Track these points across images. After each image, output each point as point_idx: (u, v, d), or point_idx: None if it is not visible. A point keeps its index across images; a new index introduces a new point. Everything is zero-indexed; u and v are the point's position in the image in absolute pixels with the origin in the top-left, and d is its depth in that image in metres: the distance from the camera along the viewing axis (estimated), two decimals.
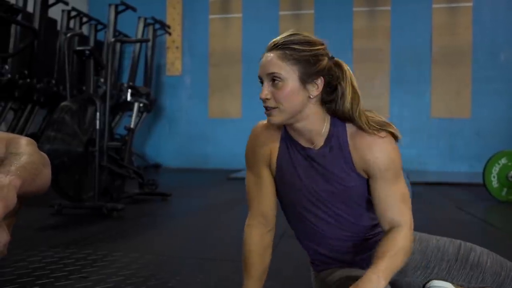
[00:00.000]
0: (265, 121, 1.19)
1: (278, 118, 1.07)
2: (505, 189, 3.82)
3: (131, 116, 4.32)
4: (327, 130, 1.11)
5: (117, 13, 5.29)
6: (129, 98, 3.39)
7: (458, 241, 1.22)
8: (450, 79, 6.14)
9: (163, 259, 2.01)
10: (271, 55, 1.06)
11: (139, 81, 5.93)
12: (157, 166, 6.48)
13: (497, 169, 3.83)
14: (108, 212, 2.87)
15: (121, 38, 4.81)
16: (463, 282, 1.17)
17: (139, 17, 5.62)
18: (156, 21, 5.97)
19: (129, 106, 4.14)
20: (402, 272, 1.21)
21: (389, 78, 6.27)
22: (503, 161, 3.85)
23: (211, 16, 6.68)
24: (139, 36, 5.53)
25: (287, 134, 1.16)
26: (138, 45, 5.57)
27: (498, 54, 6.05)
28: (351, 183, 1.12)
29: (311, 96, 1.07)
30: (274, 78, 1.05)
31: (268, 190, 1.20)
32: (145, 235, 2.56)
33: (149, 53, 6.04)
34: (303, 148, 1.14)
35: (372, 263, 1.02)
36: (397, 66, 6.25)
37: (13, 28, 4.36)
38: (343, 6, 6.30)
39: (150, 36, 5.88)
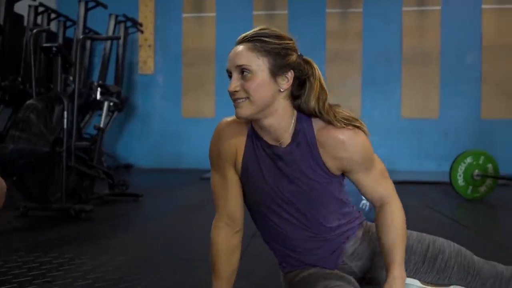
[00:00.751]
0: (229, 118, 1.16)
1: (247, 110, 1.04)
2: (470, 187, 3.94)
3: (101, 115, 4.24)
4: (294, 126, 1.09)
5: (87, 9, 5.16)
6: (98, 96, 3.30)
7: (427, 240, 1.21)
8: (420, 81, 6.29)
9: (134, 261, 1.97)
10: (240, 47, 1.04)
11: (110, 80, 5.80)
12: (128, 167, 6.37)
13: (463, 168, 3.95)
14: (76, 213, 2.80)
15: (91, 35, 4.69)
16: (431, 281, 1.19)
17: (110, 14, 5.50)
18: (127, 18, 5.86)
19: (99, 105, 4.04)
20: (371, 269, 1.23)
21: (361, 79, 6.37)
22: (469, 160, 3.97)
23: (184, 15, 6.61)
24: (110, 33, 5.41)
25: (253, 132, 1.13)
26: (109, 42, 5.46)
27: (464, 57, 6.25)
28: (317, 182, 1.11)
29: (281, 90, 1.05)
30: (243, 70, 1.02)
31: (234, 190, 1.17)
32: (116, 237, 2.51)
33: (120, 51, 5.92)
34: (269, 146, 1.11)
35: (386, 254, 1.11)
36: (369, 67, 6.35)
37: None
38: (316, 7, 6.36)
39: (122, 34, 5.77)
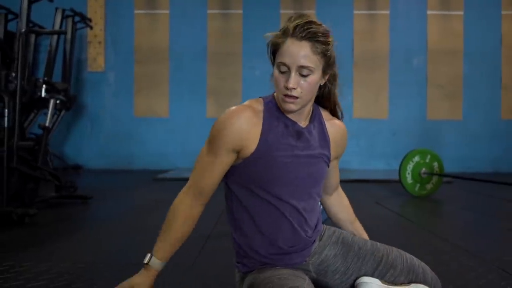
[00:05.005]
0: (238, 106, 1.16)
1: (296, 106, 1.13)
2: (418, 185, 4.11)
3: (46, 114, 4.02)
4: (311, 110, 1.23)
5: (31, 2, 4.87)
6: (44, 94, 3.12)
7: (381, 252, 1.24)
8: (370, 82, 6.50)
9: (81, 267, 1.88)
10: (304, 47, 1.08)
11: (57, 77, 5.53)
12: (77, 168, 6.11)
13: (411, 166, 4.11)
14: (18, 218, 2.63)
15: (35, 29, 4.44)
16: None
17: (57, 8, 5.24)
18: (75, 13, 5.61)
19: (44, 103, 3.83)
20: (322, 272, 1.24)
21: None
22: (416, 159, 4.15)
23: (136, 11, 6.43)
24: (57, 28, 5.16)
25: (275, 111, 1.18)
26: (55, 38, 5.19)
27: (411, 60, 6.52)
28: (325, 163, 1.24)
29: (321, 84, 1.18)
30: (304, 70, 1.09)
31: (219, 171, 1.17)
32: (61, 242, 2.38)
33: (68, 47, 5.66)
34: (294, 123, 1.19)
35: (351, 222, 1.41)
36: None
37: None
38: (270, 8, 6.40)
39: (69, 29, 5.51)
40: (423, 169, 4.10)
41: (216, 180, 1.19)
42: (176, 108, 6.39)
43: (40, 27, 5.45)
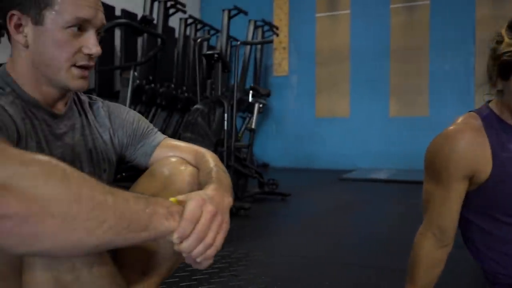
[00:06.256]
0: (456, 126, 1.05)
1: None
2: None
3: (244, 117, 4.43)
4: None
5: (229, 17, 5.46)
6: (250, 99, 3.45)
7: None
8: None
9: (302, 261, 1.99)
10: None
11: (249, 82, 6.07)
12: (264, 166, 6.59)
13: None
14: (236, 210, 2.95)
15: (247, 40, 4.97)
16: None
17: (250, 20, 5.75)
18: (265, 23, 6.06)
19: (249, 107, 4.23)
20: None
21: None
22: None
23: (318, 15, 6.60)
24: (249, 39, 5.65)
25: (495, 129, 1.04)
26: (249, 47, 5.71)
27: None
28: None
29: None
30: None
31: (455, 205, 1.08)
32: (277, 235, 2.57)
33: (258, 54, 6.15)
34: None
35: None
36: None
37: (140, 38, 4.74)
38: None
39: (259, 38, 5.99)
40: None
41: (456, 215, 1.09)
42: (357, 108, 6.34)
43: (234, 39, 6.06)
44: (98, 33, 0.90)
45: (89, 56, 0.89)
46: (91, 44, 0.88)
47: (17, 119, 0.83)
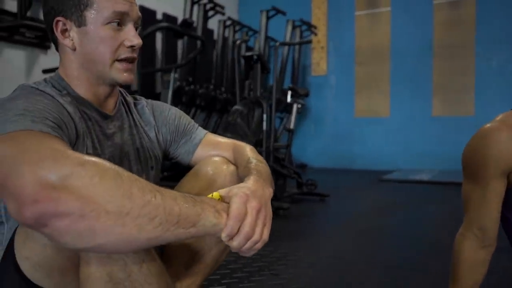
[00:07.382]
0: (495, 123, 1.04)
1: None
2: None
3: (282, 117, 4.41)
4: None
5: (267, 18, 5.48)
6: (289, 99, 3.46)
7: None
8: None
9: (344, 263, 1.98)
10: None
11: (287, 83, 6.07)
12: (303, 166, 6.56)
13: None
14: (274, 210, 2.96)
15: (286, 41, 4.98)
16: None
17: (288, 20, 5.74)
18: (304, 22, 6.04)
19: (287, 107, 4.23)
20: None
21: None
22: None
23: (357, 13, 6.50)
24: (287, 39, 5.65)
25: None
26: (287, 47, 5.71)
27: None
28: None
29: None
30: None
31: (494, 203, 1.05)
32: (318, 235, 2.56)
33: (296, 55, 6.14)
34: None
35: None
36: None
37: (180, 41, 4.85)
38: None
39: (297, 38, 5.97)
40: None
41: (496, 214, 1.06)
42: (397, 107, 6.19)
43: (272, 39, 6.08)
44: (136, 27, 0.95)
45: (132, 48, 0.93)
46: (131, 36, 0.92)
47: (75, 118, 0.88)
